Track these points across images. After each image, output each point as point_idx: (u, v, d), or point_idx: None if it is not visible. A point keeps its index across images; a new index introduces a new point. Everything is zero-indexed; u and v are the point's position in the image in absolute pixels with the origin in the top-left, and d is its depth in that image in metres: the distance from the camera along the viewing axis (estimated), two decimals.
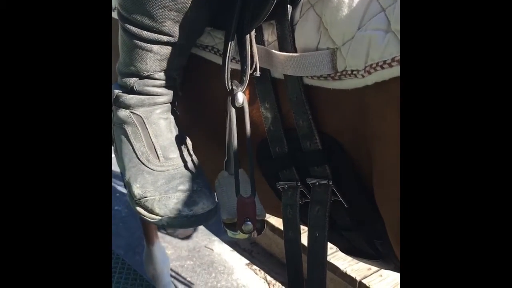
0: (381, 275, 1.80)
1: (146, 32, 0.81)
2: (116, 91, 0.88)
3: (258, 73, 0.77)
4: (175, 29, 0.81)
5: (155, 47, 0.83)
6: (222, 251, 2.41)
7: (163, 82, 0.87)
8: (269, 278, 2.19)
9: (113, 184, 2.57)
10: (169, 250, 2.38)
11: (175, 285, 2.12)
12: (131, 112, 0.87)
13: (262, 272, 2.23)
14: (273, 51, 0.75)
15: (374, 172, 0.72)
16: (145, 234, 2.05)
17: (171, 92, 0.89)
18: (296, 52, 0.73)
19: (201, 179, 0.85)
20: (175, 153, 0.86)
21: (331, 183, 0.77)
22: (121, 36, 0.85)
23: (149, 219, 0.83)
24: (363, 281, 1.78)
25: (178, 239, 2.49)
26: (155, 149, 0.85)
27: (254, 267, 2.27)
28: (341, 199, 0.78)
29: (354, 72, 0.67)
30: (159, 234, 2.19)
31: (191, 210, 0.80)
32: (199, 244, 2.47)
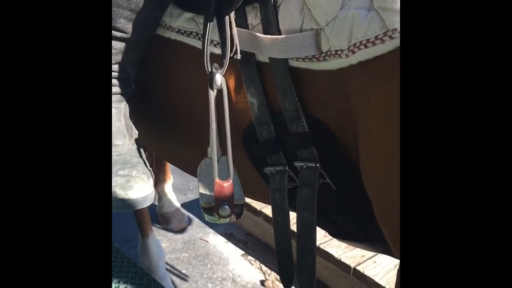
0: (375, 261, 1.80)
1: None
2: None
3: (238, 56, 0.77)
4: (128, 27, 0.86)
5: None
6: (217, 242, 2.41)
7: (117, 74, 0.90)
8: (264, 268, 2.19)
9: None
10: (164, 243, 2.39)
11: (170, 277, 2.12)
12: None
13: (257, 262, 2.24)
14: (257, 34, 0.75)
15: (361, 153, 0.72)
16: (140, 227, 2.06)
17: (124, 84, 0.92)
18: (280, 34, 0.73)
19: (141, 167, 0.88)
20: (120, 141, 0.90)
21: (318, 165, 0.76)
22: None
23: None
24: (357, 267, 1.79)
25: (173, 232, 2.50)
26: None
27: (249, 257, 2.28)
28: (329, 181, 0.78)
29: (338, 52, 0.67)
30: (154, 227, 2.19)
31: (127, 194, 0.83)
32: (194, 236, 2.48)
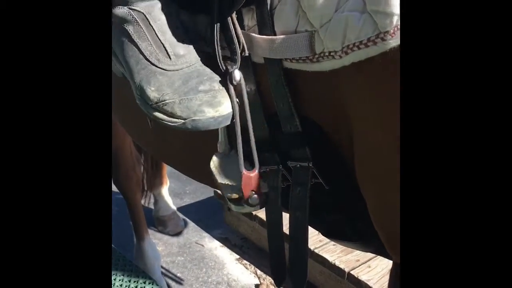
0: (369, 266, 1.81)
1: None
2: None
3: (246, 53, 0.78)
4: None
5: None
6: (212, 246, 2.42)
7: None
8: (259, 272, 2.20)
9: None
10: (160, 246, 2.39)
11: (166, 281, 2.13)
12: (130, 9, 0.81)
13: (253, 266, 2.24)
14: (253, 34, 0.76)
15: (355, 153, 0.73)
16: (136, 230, 2.06)
17: None
18: (275, 35, 0.74)
19: (218, 77, 0.80)
20: (185, 49, 0.81)
21: (311, 165, 0.78)
22: None
23: (170, 123, 0.79)
24: (351, 272, 1.79)
25: (169, 236, 2.50)
26: (164, 47, 0.80)
27: (245, 261, 2.29)
28: (321, 180, 0.79)
29: (332, 54, 0.68)
30: (150, 230, 2.20)
31: (217, 110, 0.76)
32: (190, 240, 2.48)
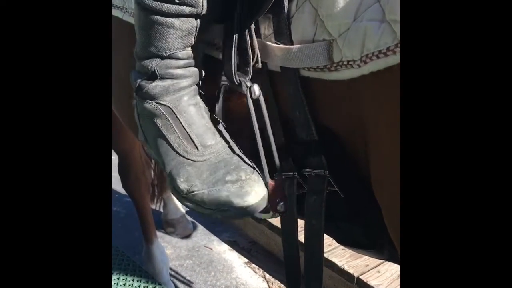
0: (378, 271, 1.81)
1: (166, 4, 0.77)
2: (138, 80, 0.84)
3: (260, 65, 0.79)
4: None
5: (176, 22, 0.78)
6: (221, 250, 2.42)
7: (187, 61, 0.82)
8: (267, 276, 2.20)
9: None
10: (169, 249, 2.39)
11: (174, 284, 2.13)
12: (157, 103, 0.83)
13: (261, 270, 2.24)
14: (270, 43, 0.77)
15: (371, 161, 0.73)
16: (144, 233, 2.07)
17: (196, 73, 0.85)
18: (292, 44, 0.75)
19: (245, 165, 0.82)
20: (212, 140, 0.83)
21: (327, 173, 0.78)
22: (137, 16, 0.81)
23: (200, 212, 0.82)
24: (360, 277, 1.79)
25: (178, 239, 2.50)
26: (191, 139, 0.82)
27: (253, 265, 2.28)
28: (337, 189, 0.79)
29: (350, 63, 0.68)
30: (158, 233, 2.20)
31: (245, 201, 0.78)
32: (198, 243, 2.48)
